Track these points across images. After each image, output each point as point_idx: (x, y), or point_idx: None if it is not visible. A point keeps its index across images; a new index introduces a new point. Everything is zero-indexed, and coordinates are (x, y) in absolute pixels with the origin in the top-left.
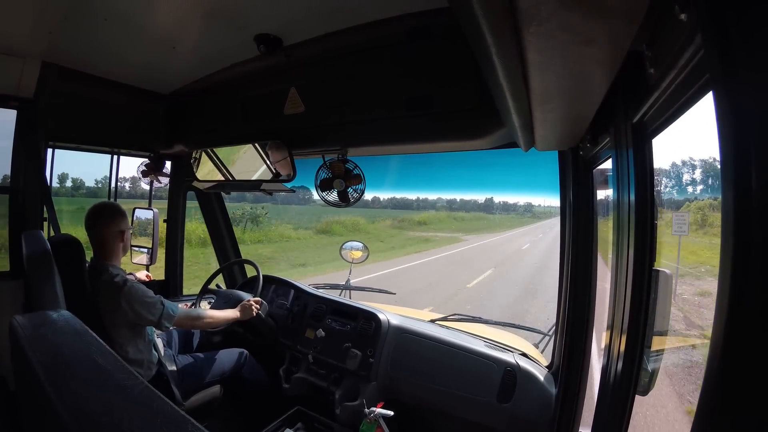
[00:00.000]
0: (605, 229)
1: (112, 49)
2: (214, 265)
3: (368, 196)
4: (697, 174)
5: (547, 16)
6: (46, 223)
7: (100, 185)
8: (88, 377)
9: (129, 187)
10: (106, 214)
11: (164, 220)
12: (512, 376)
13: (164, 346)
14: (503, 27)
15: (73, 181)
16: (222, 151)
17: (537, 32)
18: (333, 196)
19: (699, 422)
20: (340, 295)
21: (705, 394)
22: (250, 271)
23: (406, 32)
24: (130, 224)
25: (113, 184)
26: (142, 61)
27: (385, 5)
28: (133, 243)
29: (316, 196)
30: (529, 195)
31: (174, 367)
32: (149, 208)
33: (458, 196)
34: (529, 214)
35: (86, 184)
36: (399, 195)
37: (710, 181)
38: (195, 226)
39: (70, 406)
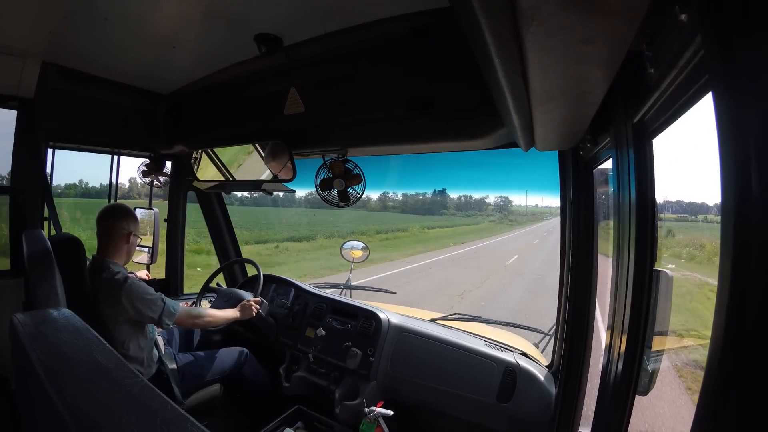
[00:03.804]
0: (606, 230)
1: (112, 48)
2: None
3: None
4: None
5: (547, 15)
6: (47, 223)
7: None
8: (89, 375)
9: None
10: (119, 212)
11: (165, 220)
12: (512, 375)
13: (165, 344)
14: (503, 27)
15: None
16: (222, 151)
17: (537, 32)
18: (333, 195)
19: (699, 422)
20: (340, 295)
21: (705, 393)
22: (251, 270)
23: (407, 32)
24: (138, 230)
25: (114, 185)
26: (143, 60)
27: (386, 5)
28: None
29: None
30: (519, 193)
31: (174, 366)
32: (149, 207)
33: (404, 191)
34: (497, 216)
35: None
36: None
37: None
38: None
39: (70, 404)
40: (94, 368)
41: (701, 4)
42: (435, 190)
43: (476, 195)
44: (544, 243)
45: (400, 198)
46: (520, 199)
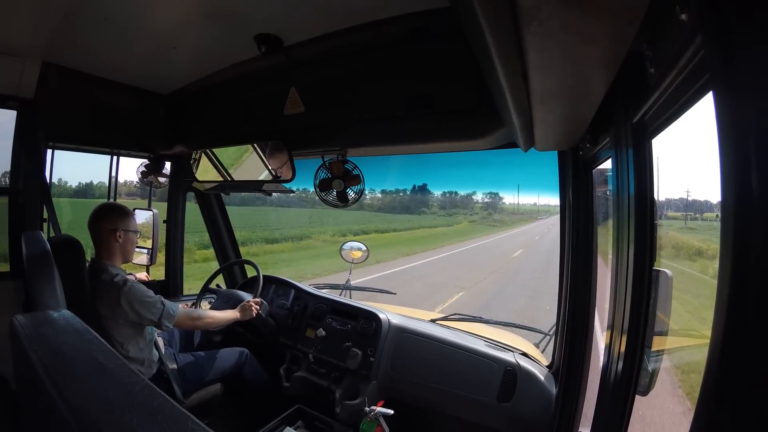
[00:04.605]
0: (606, 231)
1: (112, 49)
2: None
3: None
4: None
5: (547, 15)
6: (46, 224)
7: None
8: (89, 375)
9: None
10: (102, 212)
11: (164, 221)
12: (512, 375)
13: (165, 344)
14: (504, 27)
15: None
16: (222, 152)
17: (537, 32)
18: (332, 196)
19: (698, 422)
20: (340, 295)
21: (704, 393)
22: (250, 271)
23: (407, 32)
24: (131, 226)
25: (113, 185)
26: (143, 61)
27: (386, 5)
28: None
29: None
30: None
31: (175, 366)
32: (149, 208)
33: (384, 188)
34: (480, 215)
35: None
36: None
37: None
38: None
39: (71, 404)
40: (94, 368)
41: (701, 4)
42: (415, 187)
43: (464, 192)
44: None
45: (379, 196)
46: (514, 197)
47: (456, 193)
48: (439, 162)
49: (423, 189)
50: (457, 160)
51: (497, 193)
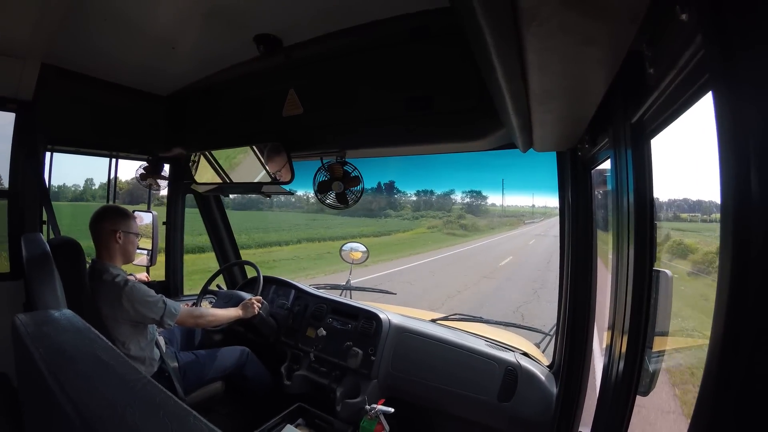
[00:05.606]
0: (606, 232)
1: (111, 50)
2: None
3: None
4: None
5: (547, 15)
6: (45, 226)
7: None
8: (91, 372)
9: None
10: (103, 214)
11: (164, 223)
12: (513, 375)
13: (166, 343)
14: (503, 27)
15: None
16: (220, 154)
17: (537, 32)
18: (332, 198)
19: (697, 422)
20: (340, 296)
21: (704, 393)
22: (250, 272)
23: (406, 32)
24: (131, 228)
25: (112, 187)
26: (142, 62)
27: (386, 5)
28: None
29: None
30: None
31: (176, 364)
32: (148, 210)
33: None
34: (445, 219)
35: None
36: None
37: None
38: None
39: (73, 400)
40: (96, 365)
41: (701, 4)
42: (380, 184)
43: (440, 191)
44: None
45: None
46: (511, 198)
47: (432, 192)
48: (413, 158)
49: (390, 187)
50: (436, 158)
51: (480, 192)
